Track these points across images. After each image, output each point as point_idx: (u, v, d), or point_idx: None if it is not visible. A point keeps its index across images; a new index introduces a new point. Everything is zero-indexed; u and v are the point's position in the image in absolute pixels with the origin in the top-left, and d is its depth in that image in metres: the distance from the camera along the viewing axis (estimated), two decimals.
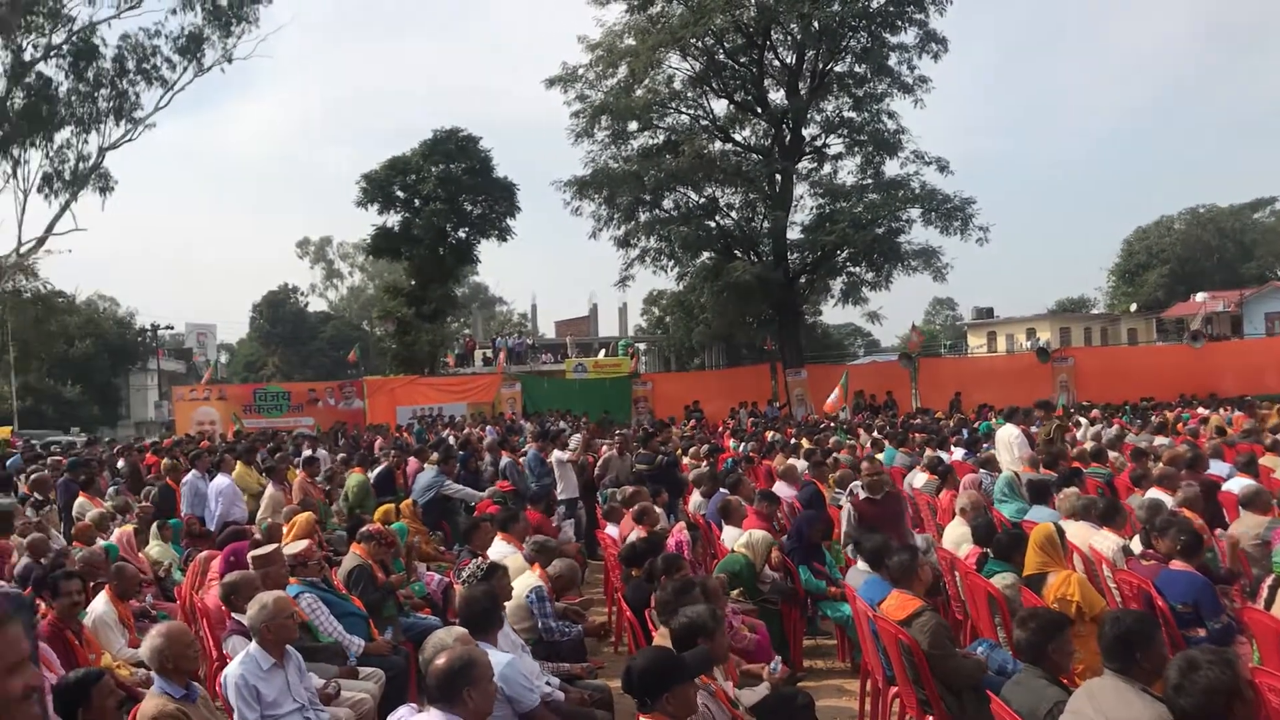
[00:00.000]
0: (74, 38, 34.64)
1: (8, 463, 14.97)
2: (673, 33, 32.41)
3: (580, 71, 34.78)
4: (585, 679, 6.39)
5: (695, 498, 11.98)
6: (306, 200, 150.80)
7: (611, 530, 10.33)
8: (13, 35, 33.45)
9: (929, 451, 14.20)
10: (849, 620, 7.47)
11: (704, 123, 35.68)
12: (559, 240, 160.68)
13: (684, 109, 35.85)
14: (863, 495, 9.87)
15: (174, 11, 35.55)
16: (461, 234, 38.67)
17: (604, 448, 15.62)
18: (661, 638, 5.11)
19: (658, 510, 9.70)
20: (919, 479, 12.06)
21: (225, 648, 6.24)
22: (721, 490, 10.87)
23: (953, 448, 15.68)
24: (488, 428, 23.26)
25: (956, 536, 8.39)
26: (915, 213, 33.04)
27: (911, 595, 5.79)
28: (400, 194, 37.71)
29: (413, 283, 39.13)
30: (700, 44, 33.41)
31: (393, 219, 38.20)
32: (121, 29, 35.37)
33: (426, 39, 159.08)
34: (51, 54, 34.57)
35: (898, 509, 9.70)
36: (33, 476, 12.18)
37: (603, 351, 45.75)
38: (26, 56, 34.14)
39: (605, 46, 34.23)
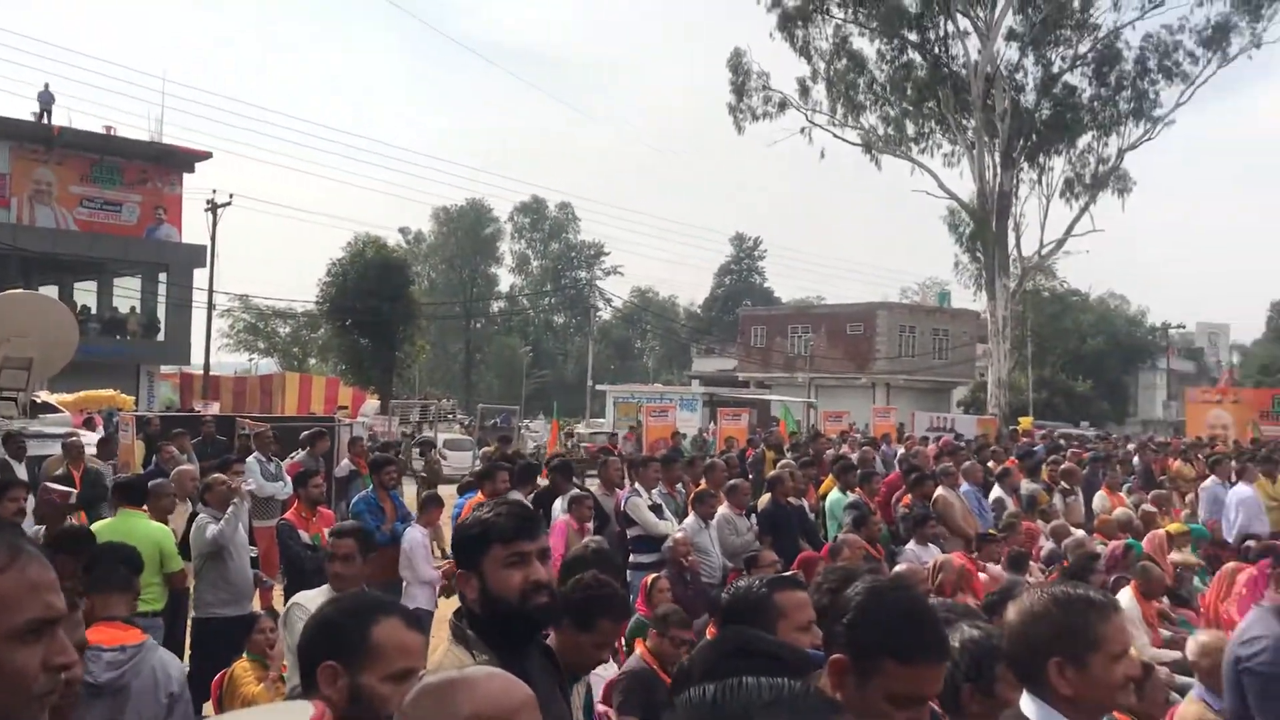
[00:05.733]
0: (1098, 45, 35.85)
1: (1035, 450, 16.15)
2: None
3: None
4: None
5: None
6: None
7: None
8: (1043, 50, 35.93)
9: None
10: None
11: None
12: None
13: None
14: None
15: (1199, 4, 34.42)
16: None
17: None
18: None
19: None
20: None
21: None
22: None
23: None
24: None
25: None
26: None
27: None
28: None
29: None
30: None
31: None
32: (1144, 29, 35.99)
33: None
34: (1077, 63, 36.27)
35: None
36: (1062, 467, 12.99)
37: None
38: (1055, 69, 36.36)
39: None
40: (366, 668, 2.16)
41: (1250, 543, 9.09)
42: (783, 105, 37.63)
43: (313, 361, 61.84)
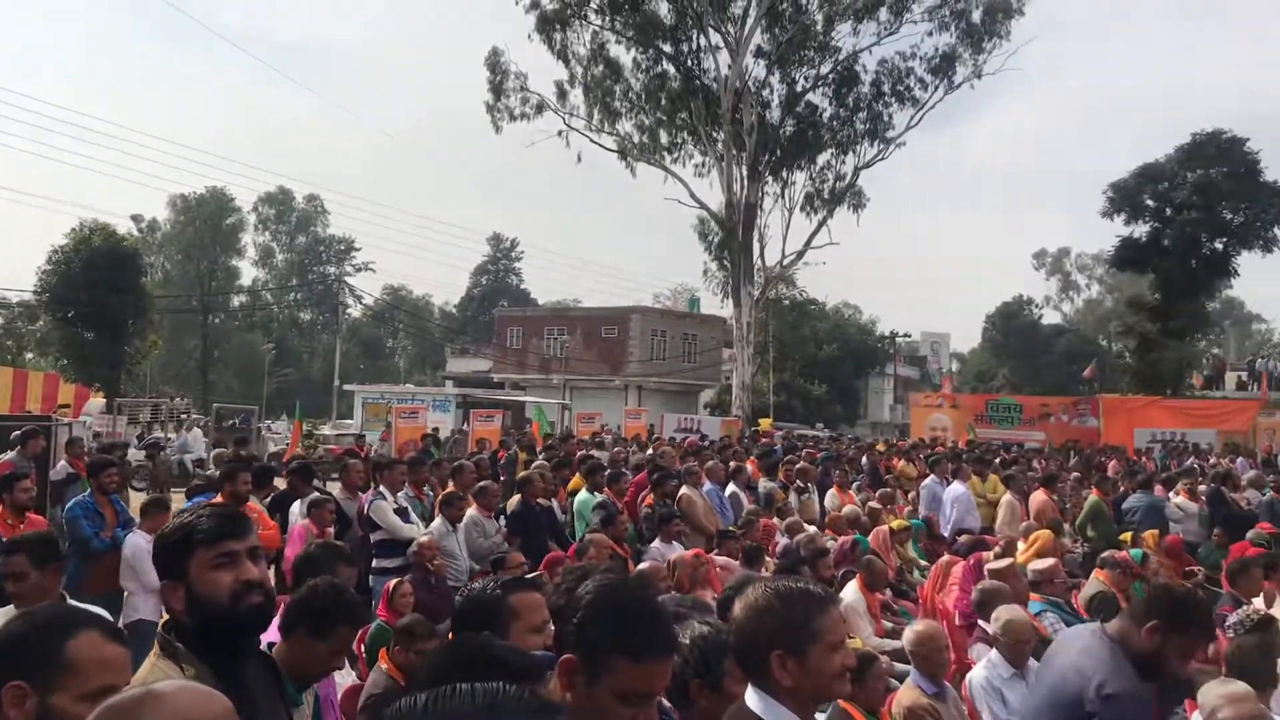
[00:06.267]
0: (839, 67, 37.90)
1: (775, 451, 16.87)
2: None
3: None
4: None
5: None
6: (1043, 211, 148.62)
7: None
8: (788, 68, 37.65)
9: None
10: None
11: None
12: None
13: None
14: None
15: (929, 34, 37.06)
16: (1218, 245, 35.52)
17: None
18: None
19: None
20: None
21: (970, 654, 6.43)
22: None
23: None
24: (1239, 460, 20.99)
25: None
26: None
27: None
28: (1150, 203, 35.81)
29: (1158, 296, 36.80)
30: None
31: (1140, 229, 36.33)
32: (880, 54, 38.36)
33: (1180, 32, 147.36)
34: (819, 83, 38.22)
35: None
36: (797, 466, 13.60)
37: None
38: (798, 88, 38.18)
39: None
40: (60, 686, 1.99)
41: (962, 537, 9.76)
42: (540, 107, 37.82)
43: (30, 356, 56.98)
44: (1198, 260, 35.47)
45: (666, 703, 2.91)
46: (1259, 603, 7.07)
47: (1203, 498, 12.79)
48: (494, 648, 2.12)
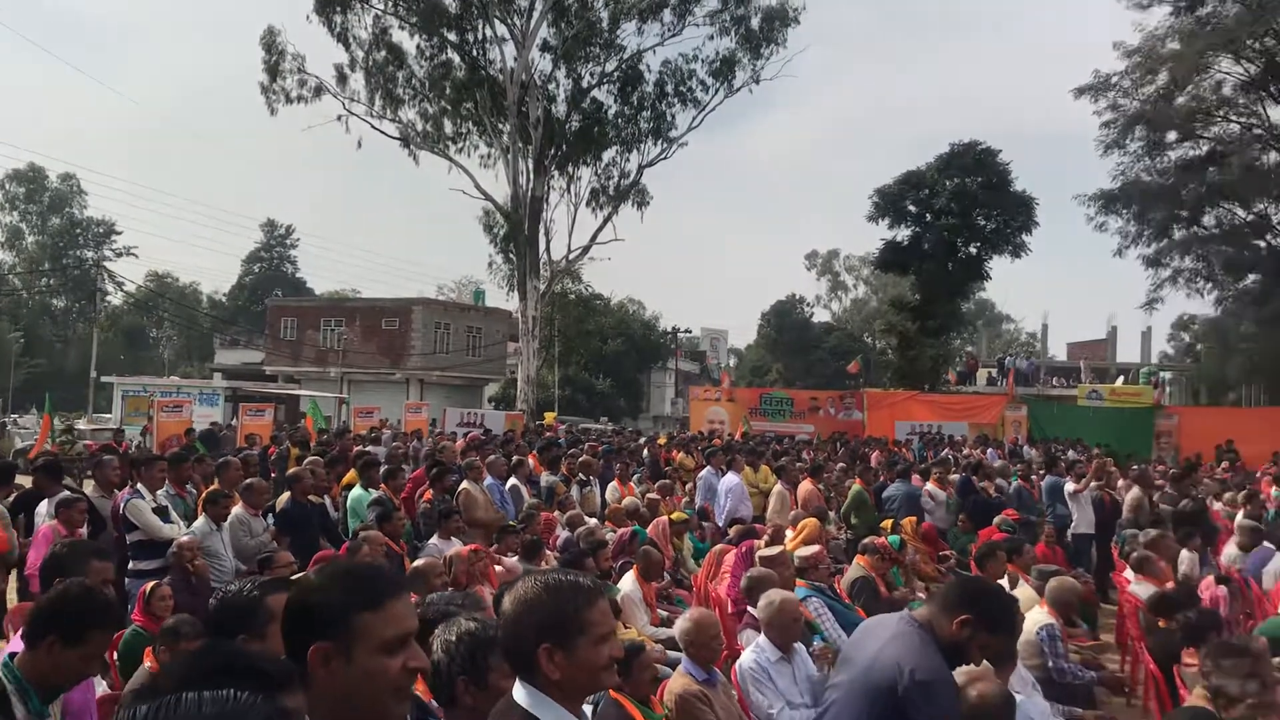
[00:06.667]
0: (624, 65, 38.33)
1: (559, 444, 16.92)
2: (1226, 34, 29.49)
3: (1114, 79, 32.80)
4: None
5: (1230, 549, 10.76)
6: (816, 213, 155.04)
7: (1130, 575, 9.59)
8: (574, 64, 37.77)
9: None
10: None
11: (1258, 131, 32.01)
12: (1076, 257, 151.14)
13: (1234, 116, 32.52)
14: None
15: (711, 38, 37.96)
16: (972, 249, 37.98)
17: (1122, 484, 14.51)
18: (1198, 698, 4.68)
19: (1187, 556, 8.87)
20: None
21: (740, 639, 6.62)
22: (1267, 545, 9.68)
23: None
24: (989, 450, 22.54)
25: None
26: None
27: None
28: (912, 208, 37.85)
29: (918, 297, 39.04)
30: (1259, 45, 30.01)
31: (902, 233, 38.46)
32: (664, 55, 38.77)
33: (947, 50, 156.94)
34: (604, 80, 38.53)
35: None
36: (580, 459, 13.69)
37: (1121, 379, 42.47)
38: (584, 84, 38.40)
39: (1144, 52, 31.90)
40: None
41: (734, 527, 10.05)
42: (319, 90, 36.51)
43: None
44: (954, 264, 37.70)
45: (433, 703, 2.86)
46: (1004, 584, 7.60)
47: (953, 486, 13.65)
48: (241, 654, 2.02)
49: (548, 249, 38.18)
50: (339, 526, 9.94)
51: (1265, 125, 32.05)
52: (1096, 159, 38.17)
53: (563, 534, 10.00)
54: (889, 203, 37.79)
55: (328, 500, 10.22)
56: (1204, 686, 4.68)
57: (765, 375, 75.34)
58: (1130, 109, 32.54)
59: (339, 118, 36.80)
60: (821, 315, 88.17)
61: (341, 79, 36.72)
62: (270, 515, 9.14)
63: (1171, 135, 32.79)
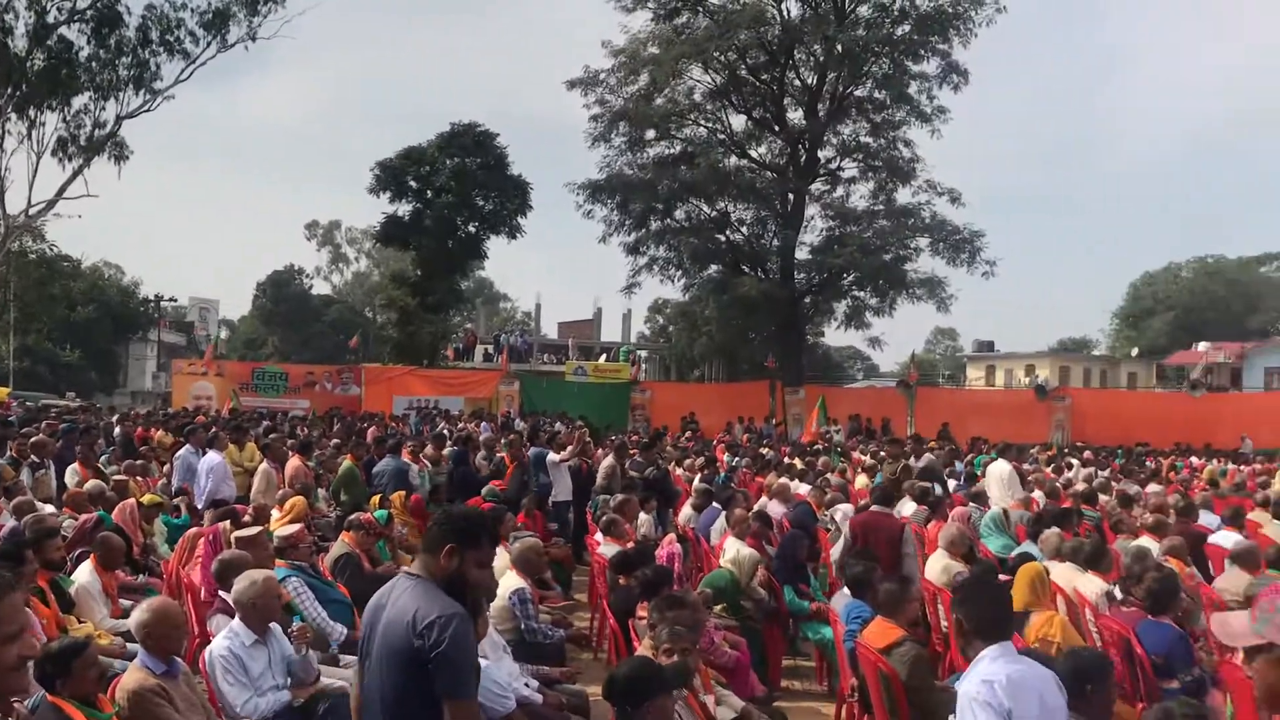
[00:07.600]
0: (98, 3, 34.58)
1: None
2: (696, 45, 32.65)
3: (602, 76, 35.09)
4: (564, 683, 6.42)
5: (686, 510, 12.00)
6: (318, 183, 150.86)
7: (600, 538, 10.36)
8: None
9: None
10: (829, 643, 7.49)
11: (721, 137, 35.93)
12: (567, 241, 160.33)
13: (702, 121, 36.13)
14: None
15: None
16: (471, 228, 38.91)
17: (599, 453, 15.64)
18: (646, 648, 5.15)
19: (645, 518, 9.74)
20: (908, 507, 12.05)
21: (210, 625, 6.27)
22: (715, 505, 10.90)
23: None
24: (483, 424, 23.30)
25: (940, 568, 8.42)
26: (924, 242, 33.60)
27: (894, 624, 5.82)
28: (413, 184, 37.96)
29: (419, 273, 39.38)
30: (723, 58, 33.60)
31: (404, 208, 38.52)
32: None
33: (449, 28, 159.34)
34: (75, 18, 34.52)
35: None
36: (32, 440, 12.21)
37: (604, 356, 45.78)
38: (50, 19, 34.11)
39: (628, 53, 34.43)
40: None
41: (211, 509, 9.53)
42: None
43: None
44: (454, 241, 38.39)
45: None
46: None
47: (447, 458, 13.96)
48: None
49: (2, 201, 33.73)
50: None
51: (727, 131, 35.94)
52: (586, 150, 40.59)
53: (9, 523, 8.86)
54: (390, 176, 37.65)
55: None
56: (651, 636, 5.16)
57: (260, 349, 72.11)
58: (615, 105, 34.93)
59: None
60: (322, 288, 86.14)
61: None
62: None
63: (650, 133, 35.61)
